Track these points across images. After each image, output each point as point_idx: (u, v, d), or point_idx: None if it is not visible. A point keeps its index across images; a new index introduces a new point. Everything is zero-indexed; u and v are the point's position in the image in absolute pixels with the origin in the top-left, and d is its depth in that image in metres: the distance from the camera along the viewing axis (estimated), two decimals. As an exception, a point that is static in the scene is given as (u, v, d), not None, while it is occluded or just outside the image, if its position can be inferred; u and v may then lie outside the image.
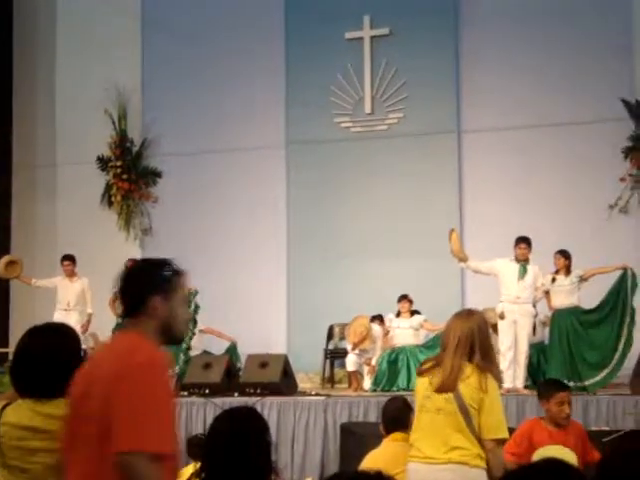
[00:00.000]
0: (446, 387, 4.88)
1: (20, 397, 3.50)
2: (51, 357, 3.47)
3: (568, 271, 10.95)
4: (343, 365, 12.76)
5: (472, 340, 4.91)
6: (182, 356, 12.12)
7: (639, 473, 2.65)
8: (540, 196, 13.41)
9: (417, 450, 4.98)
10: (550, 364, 10.94)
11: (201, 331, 12.85)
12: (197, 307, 12.14)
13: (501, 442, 4.93)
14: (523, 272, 10.94)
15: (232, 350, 13.01)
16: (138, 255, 14.02)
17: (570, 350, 10.78)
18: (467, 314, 5.16)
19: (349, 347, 12.10)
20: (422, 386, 5.04)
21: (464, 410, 4.83)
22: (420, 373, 5.12)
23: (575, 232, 12.74)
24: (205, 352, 12.92)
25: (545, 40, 13.64)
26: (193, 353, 12.37)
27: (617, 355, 10.67)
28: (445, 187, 13.89)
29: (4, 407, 3.51)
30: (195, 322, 12.24)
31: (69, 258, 12.86)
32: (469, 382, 4.85)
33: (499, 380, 5.11)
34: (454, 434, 4.86)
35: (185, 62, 15.16)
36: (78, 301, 12.75)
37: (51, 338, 3.55)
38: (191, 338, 12.20)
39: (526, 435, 6.41)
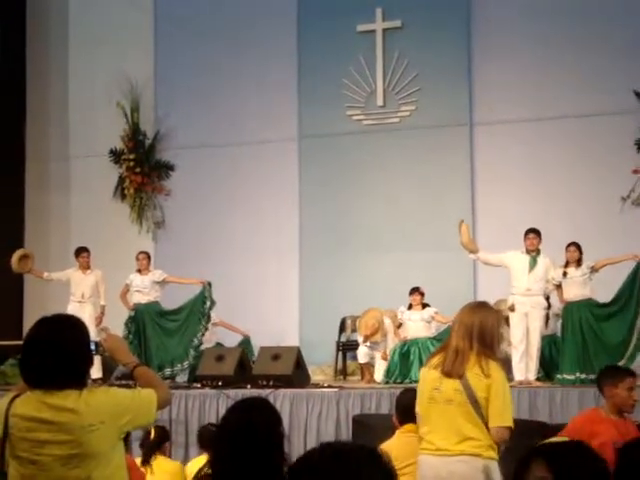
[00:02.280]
0: (453, 371, 4.94)
1: (29, 389, 3.50)
2: (58, 348, 3.45)
3: (579, 263, 10.93)
4: (355, 357, 12.78)
5: (472, 330, 4.96)
6: (192, 352, 12.16)
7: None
8: (552, 188, 13.39)
9: (428, 443, 5.00)
10: (564, 357, 10.93)
11: (214, 324, 12.90)
12: (213, 302, 12.18)
13: (507, 429, 4.93)
14: (533, 264, 10.92)
15: (246, 344, 13.05)
16: (151, 248, 14.07)
17: (584, 342, 10.76)
18: (475, 306, 5.23)
19: (360, 339, 12.12)
20: (430, 377, 5.06)
21: (473, 400, 4.88)
22: (429, 366, 5.14)
23: (587, 224, 12.73)
24: (218, 344, 12.97)
25: (557, 32, 13.60)
26: (206, 345, 12.42)
27: (630, 347, 10.66)
28: (457, 179, 13.89)
29: (14, 399, 3.51)
30: (209, 318, 12.28)
31: (86, 250, 12.91)
32: (475, 371, 4.90)
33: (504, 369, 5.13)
34: (466, 424, 4.90)
35: (197, 55, 15.17)
36: (92, 293, 12.79)
37: (59, 329, 3.53)
38: (203, 334, 12.24)
39: (585, 427, 5.97)
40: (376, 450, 2.19)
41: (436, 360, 5.08)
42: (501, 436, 4.91)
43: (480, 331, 4.97)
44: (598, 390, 6.41)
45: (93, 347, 3.68)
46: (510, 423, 4.94)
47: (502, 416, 4.91)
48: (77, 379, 3.49)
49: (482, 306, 5.23)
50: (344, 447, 2.18)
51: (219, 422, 3.75)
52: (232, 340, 13.24)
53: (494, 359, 4.98)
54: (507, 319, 10.80)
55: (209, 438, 7.05)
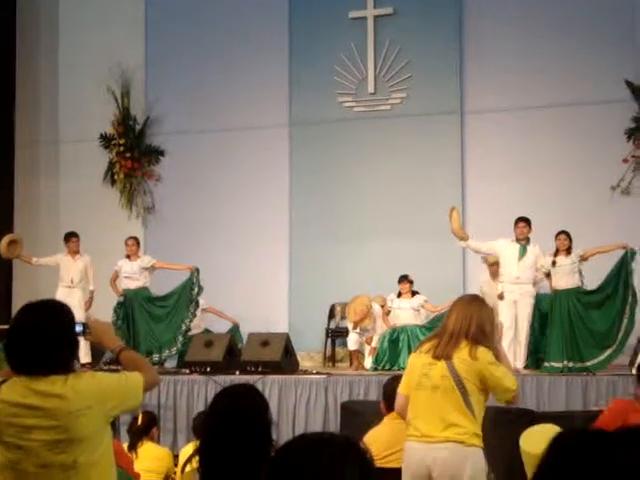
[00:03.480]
0: (443, 353, 5.00)
1: (15, 374, 3.51)
2: (44, 334, 3.46)
3: (568, 252, 10.97)
4: (344, 344, 12.80)
5: (470, 317, 5.04)
6: (180, 338, 12.16)
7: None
8: (542, 177, 13.40)
9: (414, 429, 5.05)
10: (551, 344, 10.97)
11: (203, 310, 12.90)
12: (200, 289, 12.17)
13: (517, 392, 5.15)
14: (523, 252, 10.97)
15: (234, 331, 13.06)
16: (140, 234, 14.05)
17: (572, 330, 10.80)
18: (473, 298, 5.36)
19: (350, 326, 12.13)
20: (420, 363, 5.10)
21: (461, 386, 4.93)
22: (420, 351, 5.17)
23: (577, 213, 12.75)
24: (207, 330, 12.98)
25: (549, 21, 13.59)
26: (195, 332, 12.42)
27: (620, 335, 10.70)
28: (447, 167, 13.88)
29: (0, 384, 3.51)
30: (197, 304, 12.27)
31: (76, 235, 12.89)
32: (462, 356, 4.96)
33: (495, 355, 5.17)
34: (452, 411, 4.95)
35: (189, 41, 15.12)
36: (81, 278, 12.78)
37: (44, 315, 3.53)
38: (191, 320, 12.23)
39: (621, 416, 5.95)
40: (353, 441, 2.19)
41: (427, 346, 5.14)
42: (516, 401, 5.18)
43: (478, 320, 5.04)
44: (637, 380, 6.37)
45: (81, 328, 3.68)
46: (516, 390, 5.10)
47: (508, 389, 5.02)
48: (63, 365, 3.50)
49: (480, 299, 5.36)
50: (320, 438, 2.18)
51: (206, 409, 3.75)
52: (221, 327, 13.25)
53: (486, 346, 5.03)
54: (495, 269, 10.95)
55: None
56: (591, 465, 2.11)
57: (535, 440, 5.21)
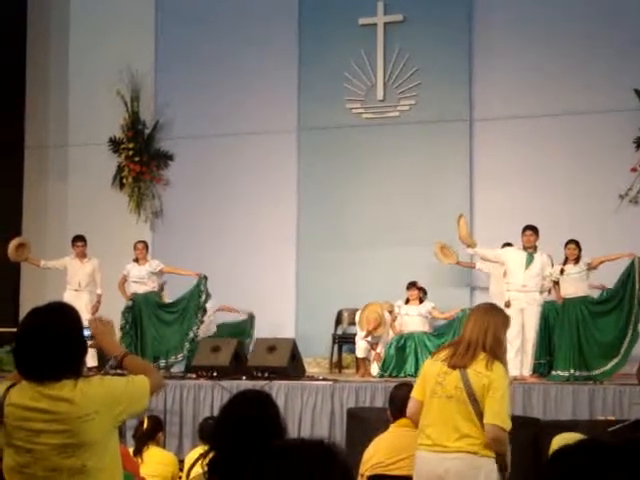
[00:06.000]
0: (460, 363, 4.97)
1: (24, 379, 3.50)
2: (52, 338, 3.45)
3: (577, 261, 10.96)
4: (351, 350, 12.79)
5: (487, 328, 5.02)
6: (187, 345, 12.15)
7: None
8: (550, 185, 13.40)
9: (426, 437, 5.01)
10: (558, 353, 10.97)
11: (218, 309, 12.96)
12: (208, 296, 12.18)
13: (501, 430, 4.91)
14: (530, 261, 10.95)
15: (251, 322, 13.12)
16: (148, 238, 14.06)
17: (579, 339, 10.80)
18: (490, 307, 5.35)
19: (361, 334, 12.05)
20: (435, 371, 5.07)
21: (472, 398, 4.89)
22: (435, 358, 5.15)
23: (585, 222, 12.74)
24: (215, 335, 12.97)
25: (560, 29, 13.60)
26: (205, 334, 12.46)
27: (625, 344, 10.69)
28: (456, 175, 13.88)
29: (9, 388, 3.51)
30: (204, 311, 12.27)
31: (82, 239, 12.90)
32: (477, 369, 4.92)
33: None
34: (464, 422, 4.91)
35: (198, 46, 15.15)
36: (89, 282, 12.78)
37: (52, 318, 3.52)
38: (199, 327, 12.23)
39: None
40: (332, 447, 2.18)
41: (444, 354, 5.10)
42: (495, 435, 4.88)
43: (495, 330, 5.03)
44: None
45: (89, 333, 3.68)
46: (504, 425, 4.91)
47: (498, 415, 4.90)
48: (72, 368, 3.49)
49: (496, 308, 5.36)
50: (296, 444, 2.17)
51: (219, 413, 3.74)
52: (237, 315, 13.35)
53: (501, 361, 5.01)
54: None
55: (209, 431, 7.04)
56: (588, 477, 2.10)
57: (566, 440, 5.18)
